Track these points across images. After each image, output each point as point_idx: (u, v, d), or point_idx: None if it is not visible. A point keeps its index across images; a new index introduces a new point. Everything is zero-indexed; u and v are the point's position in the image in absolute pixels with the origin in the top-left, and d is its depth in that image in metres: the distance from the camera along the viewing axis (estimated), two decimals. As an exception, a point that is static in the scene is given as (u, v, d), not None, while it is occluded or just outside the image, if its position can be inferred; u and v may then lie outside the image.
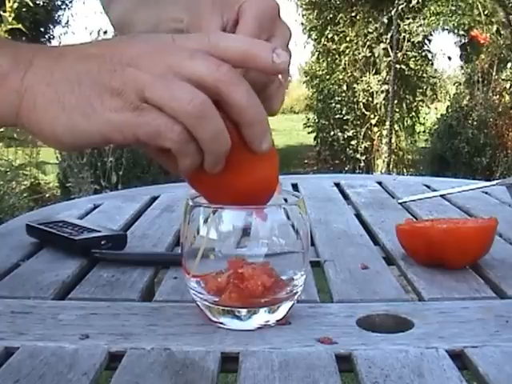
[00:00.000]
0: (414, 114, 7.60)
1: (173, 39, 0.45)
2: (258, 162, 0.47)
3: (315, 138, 7.89)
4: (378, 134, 7.35)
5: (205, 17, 0.55)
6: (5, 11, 2.88)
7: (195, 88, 0.42)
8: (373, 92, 7.31)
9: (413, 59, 7.38)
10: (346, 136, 7.44)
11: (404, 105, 7.48)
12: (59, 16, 10.33)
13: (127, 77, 0.43)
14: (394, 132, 7.16)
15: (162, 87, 0.42)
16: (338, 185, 1.21)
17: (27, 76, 0.45)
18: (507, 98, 6.21)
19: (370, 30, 7.25)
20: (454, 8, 6.75)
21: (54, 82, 0.44)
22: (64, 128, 0.44)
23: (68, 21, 7.56)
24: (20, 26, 2.88)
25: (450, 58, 7.87)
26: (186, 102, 0.41)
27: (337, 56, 7.66)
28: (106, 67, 0.43)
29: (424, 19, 6.81)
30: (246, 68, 0.45)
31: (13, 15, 2.88)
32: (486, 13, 6.66)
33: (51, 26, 10.33)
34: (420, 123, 7.59)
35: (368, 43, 7.29)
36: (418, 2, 6.92)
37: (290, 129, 10.71)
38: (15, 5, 2.87)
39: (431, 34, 7.36)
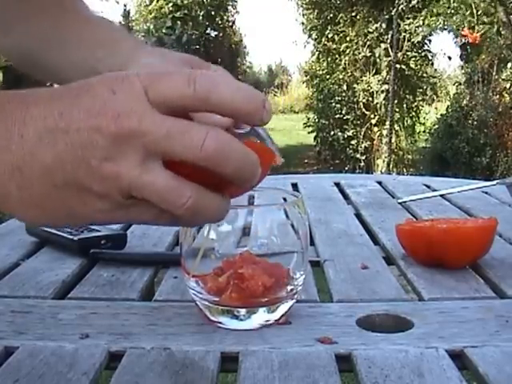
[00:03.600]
0: (414, 113, 7.61)
1: (144, 92, 0.38)
2: None
3: (315, 138, 7.89)
4: (378, 133, 7.36)
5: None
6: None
7: (182, 181, 0.39)
8: (373, 92, 7.32)
9: (413, 59, 7.38)
10: (346, 136, 7.45)
11: (404, 105, 7.48)
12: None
13: (108, 179, 0.38)
14: (394, 132, 7.16)
15: (147, 185, 0.38)
16: (337, 184, 1.21)
17: None
18: (507, 98, 6.22)
19: (370, 30, 7.25)
20: (453, 9, 6.74)
21: (25, 182, 0.39)
22: (47, 221, 0.42)
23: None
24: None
25: (450, 58, 7.85)
26: (176, 203, 0.38)
27: (337, 56, 7.66)
28: (78, 162, 0.38)
29: (424, 19, 6.81)
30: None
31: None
32: (479, 13, 6.66)
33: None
34: (420, 123, 7.59)
35: (368, 43, 7.30)
36: (418, 2, 6.93)
37: (289, 128, 10.71)
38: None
39: (431, 34, 7.36)
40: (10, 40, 0.74)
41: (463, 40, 7.11)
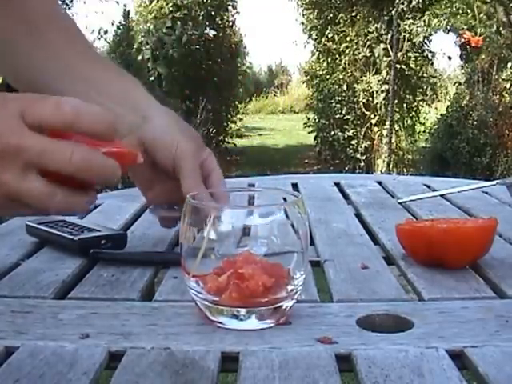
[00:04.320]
0: (414, 113, 7.61)
1: (20, 115, 0.48)
2: None
3: (315, 138, 7.89)
4: (378, 133, 7.36)
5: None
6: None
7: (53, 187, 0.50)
8: (373, 92, 7.32)
9: (413, 59, 7.38)
10: (346, 136, 7.44)
11: (404, 105, 7.48)
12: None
13: None
14: (394, 132, 7.16)
15: (25, 191, 0.49)
16: (338, 184, 1.21)
17: None
18: (507, 98, 6.21)
19: (371, 30, 7.25)
20: (456, 10, 6.74)
21: None
22: None
23: (68, 20, 7.54)
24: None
25: (450, 58, 7.85)
26: (49, 205, 0.50)
27: (337, 56, 7.66)
28: None
29: (425, 20, 6.81)
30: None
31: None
32: (481, 15, 6.65)
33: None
34: (420, 123, 7.59)
35: (368, 43, 7.29)
36: (418, 3, 6.92)
37: (289, 128, 10.71)
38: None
39: (431, 34, 7.36)
40: (13, 70, 0.78)
41: (462, 41, 7.11)
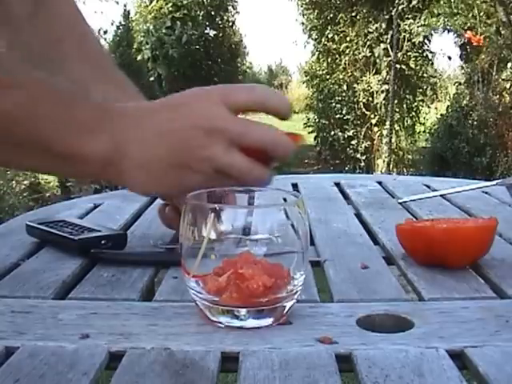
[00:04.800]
0: (414, 113, 7.61)
1: (221, 101, 0.60)
2: None
3: (315, 138, 7.89)
4: (378, 133, 7.36)
5: None
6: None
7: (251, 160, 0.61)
8: (373, 92, 7.32)
9: (413, 59, 7.38)
10: (346, 136, 7.45)
11: (404, 105, 7.49)
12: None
13: (204, 160, 0.60)
14: (394, 132, 7.16)
15: (230, 164, 0.60)
16: (338, 184, 1.21)
17: (118, 131, 0.60)
18: (507, 98, 6.21)
19: (370, 30, 7.25)
20: (455, 9, 6.74)
21: (146, 153, 0.60)
22: (144, 189, 0.64)
23: (68, 20, 7.55)
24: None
25: (450, 58, 7.85)
26: (249, 175, 0.61)
27: (337, 56, 7.67)
28: (185, 149, 0.59)
29: (425, 19, 6.81)
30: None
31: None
32: (481, 14, 6.65)
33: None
34: (420, 123, 7.60)
35: (368, 43, 7.30)
36: (418, 2, 6.93)
37: (289, 129, 10.68)
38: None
39: (431, 34, 7.36)
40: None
41: (463, 40, 7.11)
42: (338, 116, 7.48)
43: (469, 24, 6.80)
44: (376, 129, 7.38)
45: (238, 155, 0.60)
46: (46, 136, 0.59)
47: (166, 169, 0.60)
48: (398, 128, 7.39)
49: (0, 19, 0.78)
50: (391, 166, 7.03)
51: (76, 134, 0.59)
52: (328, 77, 7.74)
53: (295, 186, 1.19)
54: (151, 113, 0.62)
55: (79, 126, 0.59)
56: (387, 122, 7.09)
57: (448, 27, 7.12)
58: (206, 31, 9.36)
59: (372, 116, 7.38)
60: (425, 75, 7.63)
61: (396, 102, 7.16)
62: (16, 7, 0.79)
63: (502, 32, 6.51)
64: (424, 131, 7.32)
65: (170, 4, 8.76)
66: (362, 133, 7.38)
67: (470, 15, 6.71)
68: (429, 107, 7.83)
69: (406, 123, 7.51)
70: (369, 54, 7.33)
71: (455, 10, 6.77)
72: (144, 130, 0.60)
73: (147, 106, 0.64)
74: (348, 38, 7.44)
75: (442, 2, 6.84)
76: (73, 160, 0.59)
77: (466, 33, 6.93)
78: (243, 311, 0.50)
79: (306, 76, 8.54)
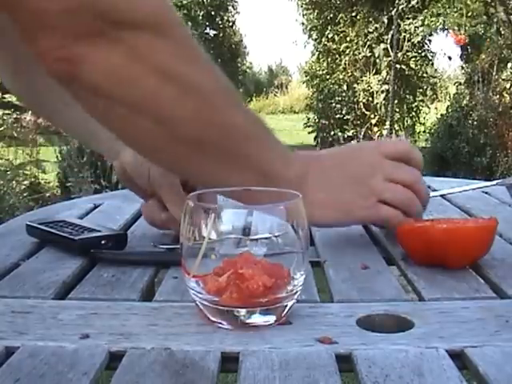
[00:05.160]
0: (414, 113, 7.61)
1: (379, 151, 0.73)
2: None
3: (315, 138, 7.89)
4: (378, 133, 7.36)
5: None
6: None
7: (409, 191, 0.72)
8: (373, 92, 7.32)
9: (413, 59, 7.38)
10: (346, 136, 7.44)
11: (404, 105, 7.49)
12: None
13: (371, 191, 0.71)
14: (394, 132, 7.16)
15: (392, 192, 0.71)
16: (338, 185, 1.20)
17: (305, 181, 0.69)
18: (507, 98, 6.21)
19: (371, 30, 7.26)
20: (450, 8, 6.74)
21: (328, 187, 0.71)
22: (323, 219, 0.72)
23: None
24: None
25: (450, 58, 7.84)
26: (410, 205, 0.72)
27: (337, 56, 7.67)
28: (358, 183, 0.71)
29: (424, 19, 6.81)
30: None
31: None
32: (469, 14, 6.65)
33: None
34: (420, 123, 7.60)
35: (368, 43, 7.30)
36: (417, 2, 6.93)
37: (290, 129, 10.70)
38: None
39: (431, 34, 7.36)
40: (31, 94, 0.86)
41: (452, 40, 7.11)
42: (338, 116, 7.48)
43: (458, 24, 6.78)
44: (376, 129, 7.38)
45: (396, 185, 0.71)
46: (261, 156, 0.67)
47: (339, 193, 0.71)
48: (397, 128, 7.39)
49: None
50: (391, 166, 7.01)
51: (279, 158, 0.69)
52: (328, 77, 7.73)
53: (295, 186, 1.18)
54: (322, 156, 0.76)
55: (279, 152, 0.70)
56: (387, 122, 7.09)
57: (447, 27, 7.12)
58: (205, 31, 9.36)
59: (372, 116, 7.38)
60: (425, 75, 7.63)
61: (396, 102, 7.16)
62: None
63: (502, 32, 6.51)
64: (424, 131, 7.31)
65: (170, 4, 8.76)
66: (362, 133, 7.38)
67: (456, 14, 6.71)
68: (429, 107, 7.83)
69: (406, 123, 7.51)
70: (369, 54, 7.33)
71: (453, 10, 6.76)
72: (320, 164, 0.72)
73: (316, 152, 0.80)
74: (348, 38, 7.44)
75: (441, 3, 6.84)
76: (274, 181, 0.65)
77: (452, 34, 6.93)
78: (243, 311, 0.50)
79: (306, 76, 8.54)
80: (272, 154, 0.69)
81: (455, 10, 6.71)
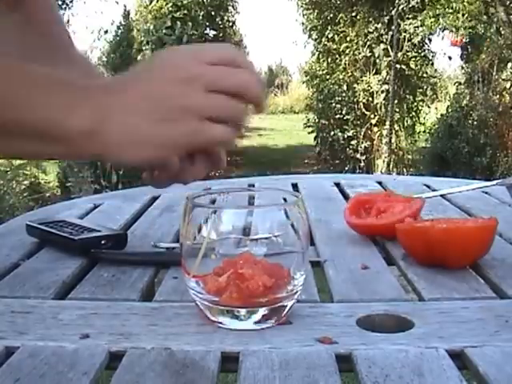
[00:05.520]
0: (414, 113, 7.61)
1: (195, 55, 0.60)
2: None
3: (315, 138, 7.88)
4: (378, 133, 7.36)
5: None
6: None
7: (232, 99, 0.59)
8: (373, 92, 7.32)
9: (413, 59, 7.38)
10: (346, 136, 7.44)
11: (404, 105, 7.48)
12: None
13: (187, 109, 0.58)
14: (394, 132, 7.16)
15: (212, 106, 0.58)
16: (338, 184, 1.21)
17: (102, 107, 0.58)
18: (507, 97, 6.21)
19: (371, 30, 7.25)
20: (451, 11, 6.74)
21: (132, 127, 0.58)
22: (133, 156, 0.58)
23: (69, 20, 7.57)
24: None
25: (450, 58, 7.83)
26: (233, 112, 0.60)
27: (337, 56, 7.66)
28: (166, 102, 0.58)
29: (424, 20, 6.81)
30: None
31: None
32: (465, 15, 6.64)
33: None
34: (420, 123, 7.59)
35: (368, 43, 7.29)
36: (417, 3, 6.92)
37: (289, 129, 10.70)
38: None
39: (431, 34, 7.36)
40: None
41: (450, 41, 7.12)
42: (337, 116, 7.47)
43: (455, 25, 6.78)
44: (376, 129, 7.37)
45: (219, 96, 0.58)
46: (27, 118, 0.56)
47: (150, 128, 0.57)
48: (397, 128, 7.39)
49: None
50: (391, 166, 7.03)
51: (55, 112, 0.57)
52: (328, 77, 7.73)
53: (295, 186, 1.19)
54: (130, 80, 0.61)
55: (58, 105, 0.57)
56: (387, 122, 7.09)
57: (447, 27, 7.12)
58: (206, 31, 9.36)
59: (372, 116, 7.37)
60: (425, 75, 7.62)
61: (396, 102, 7.16)
62: None
63: (502, 32, 6.51)
64: (424, 131, 7.31)
65: (170, 4, 8.76)
66: (362, 133, 7.37)
67: (451, 16, 6.71)
68: (429, 107, 7.82)
69: (405, 123, 7.51)
70: (369, 54, 7.32)
71: (446, 11, 6.76)
72: (125, 97, 0.59)
73: (125, 76, 0.63)
74: (348, 38, 7.44)
75: (440, 3, 6.83)
76: (57, 139, 0.56)
77: (448, 36, 6.94)
78: (243, 311, 0.51)
79: (306, 76, 8.53)
80: (46, 110, 0.57)
81: (452, 11, 6.71)
